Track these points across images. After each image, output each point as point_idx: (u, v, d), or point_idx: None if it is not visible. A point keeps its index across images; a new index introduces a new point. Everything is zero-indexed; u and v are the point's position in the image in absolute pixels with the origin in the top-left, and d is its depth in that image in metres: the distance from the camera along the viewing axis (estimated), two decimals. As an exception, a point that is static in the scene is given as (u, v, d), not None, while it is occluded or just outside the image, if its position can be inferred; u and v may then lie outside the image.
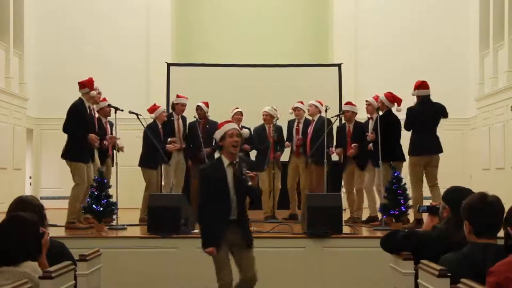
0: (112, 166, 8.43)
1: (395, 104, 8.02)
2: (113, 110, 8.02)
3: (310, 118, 9.13)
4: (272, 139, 8.99)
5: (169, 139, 8.78)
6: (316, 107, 8.94)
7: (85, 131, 7.42)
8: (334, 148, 8.70)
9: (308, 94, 10.17)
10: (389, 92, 8.19)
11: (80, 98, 7.60)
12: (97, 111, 8.31)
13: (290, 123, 9.29)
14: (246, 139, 9.01)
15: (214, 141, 9.21)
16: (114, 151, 8.23)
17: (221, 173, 4.79)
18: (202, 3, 14.80)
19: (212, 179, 4.80)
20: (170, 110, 9.13)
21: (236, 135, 4.82)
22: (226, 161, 4.83)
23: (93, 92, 7.54)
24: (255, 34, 14.39)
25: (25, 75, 13.12)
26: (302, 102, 9.17)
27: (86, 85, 7.58)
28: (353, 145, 8.44)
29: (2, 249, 3.12)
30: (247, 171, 4.77)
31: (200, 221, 4.97)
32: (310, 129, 8.94)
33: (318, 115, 8.92)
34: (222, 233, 4.75)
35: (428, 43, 13.78)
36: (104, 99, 8.48)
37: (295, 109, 9.14)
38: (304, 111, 9.15)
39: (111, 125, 8.66)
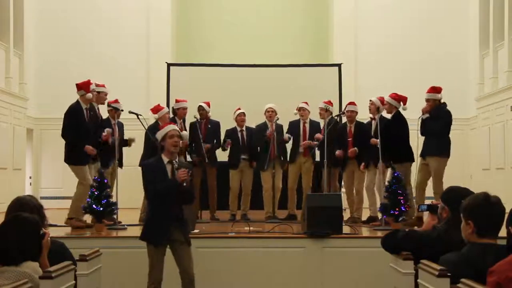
0: (121, 167, 8.45)
1: (401, 103, 8.03)
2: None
3: (315, 119, 9.15)
4: (273, 137, 8.96)
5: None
6: (327, 110, 8.88)
7: (81, 139, 7.40)
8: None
9: (308, 94, 10.17)
10: (394, 93, 8.20)
11: (77, 100, 7.60)
12: (108, 112, 8.44)
13: (294, 124, 9.24)
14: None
15: (214, 140, 9.29)
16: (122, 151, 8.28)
17: (163, 169, 5.10)
18: (202, 3, 14.79)
19: (155, 173, 5.12)
20: (172, 115, 9.11)
21: (176, 136, 5.15)
22: (165, 159, 5.15)
23: (89, 95, 7.51)
24: (255, 34, 14.39)
25: (25, 75, 13.13)
26: (306, 103, 9.14)
27: (82, 87, 7.57)
28: (352, 149, 8.47)
29: (3, 249, 3.13)
30: (180, 167, 5.10)
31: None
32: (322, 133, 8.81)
33: (329, 117, 8.88)
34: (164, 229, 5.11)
35: (428, 43, 13.78)
36: (116, 101, 8.54)
37: (299, 109, 9.11)
38: (309, 112, 9.12)
39: (121, 125, 8.71)
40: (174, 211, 5.14)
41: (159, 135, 5.22)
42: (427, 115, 7.72)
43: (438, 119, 7.68)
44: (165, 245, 5.18)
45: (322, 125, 8.92)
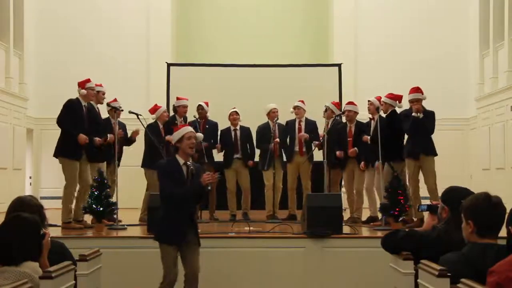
0: (118, 166, 8.45)
1: (397, 102, 8.02)
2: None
3: (310, 118, 9.16)
4: (273, 138, 8.96)
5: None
6: (327, 110, 8.91)
7: (77, 128, 7.41)
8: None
9: (308, 94, 10.18)
10: (390, 93, 8.20)
11: (77, 97, 7.65)
12: (108, 112, 8.48)
13: (290, 122, 9.24)
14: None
15: (211, 140, 9.28)
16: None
17: (178, 170, 5.05)
18: (202, 3, 14.80)
19: (171, 173, 5.03)
20: (172, 113, 9.10)
21: (193, 138, 5.13)
22: (181, 161, 5.08)
23: (83, 91, 7.58)
24: (255, 34, 14.40)
25: (25, 75, 13.14)
26: (302, 101, 9.15)
27: (79, 84, 7.68)
28: (352, 149, 8.47)
29: (3, 249, 3.12)
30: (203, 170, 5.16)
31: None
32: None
33: (333, 117, 8.90)
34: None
35: (428, 43, 13.78)
36: (115, 100, 8.56)
37: (295, 108, 9.12)
38: (304, 110, 9.14)
39: (123, 126, 8.72)
40: (189, 211, 5.14)
41: (176, 136, 5.14)
42: (422, 114, 7.67)
43: (427, 118, 7.66)
44: (181, 245, 5.09)
45: (324, 125, 8.93)
